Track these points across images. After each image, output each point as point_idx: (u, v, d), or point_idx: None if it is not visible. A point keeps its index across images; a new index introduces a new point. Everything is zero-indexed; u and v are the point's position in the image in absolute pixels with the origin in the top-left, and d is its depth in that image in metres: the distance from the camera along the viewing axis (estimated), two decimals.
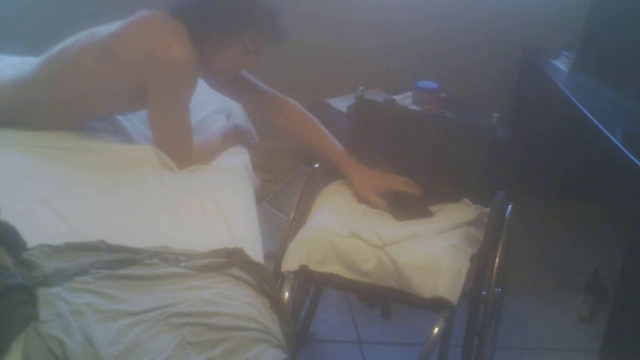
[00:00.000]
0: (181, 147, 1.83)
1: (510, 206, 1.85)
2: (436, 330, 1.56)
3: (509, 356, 2.22)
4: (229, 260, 1.42)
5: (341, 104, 2.92)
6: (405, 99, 2.86)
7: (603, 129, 2.25)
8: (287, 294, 1.60)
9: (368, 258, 1.65)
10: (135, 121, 2.00)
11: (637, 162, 2.01)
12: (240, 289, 1.37)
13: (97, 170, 1.73)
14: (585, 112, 2.41)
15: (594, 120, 2.32)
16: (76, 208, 1.56)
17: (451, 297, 1.58)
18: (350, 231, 1.69)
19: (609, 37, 2.67)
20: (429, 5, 3.06)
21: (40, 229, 1.44)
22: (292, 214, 1.81)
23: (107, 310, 1.23)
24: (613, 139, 2.17)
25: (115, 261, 1.36)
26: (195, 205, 1.66)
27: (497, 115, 1.92)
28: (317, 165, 1.95)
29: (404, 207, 1.90)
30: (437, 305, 1.59)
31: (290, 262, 1.67)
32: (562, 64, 2.91)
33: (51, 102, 1.85)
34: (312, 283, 1.83)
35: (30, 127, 1.84)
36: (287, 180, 2.85)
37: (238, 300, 1.32)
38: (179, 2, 1.79)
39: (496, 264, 1.72)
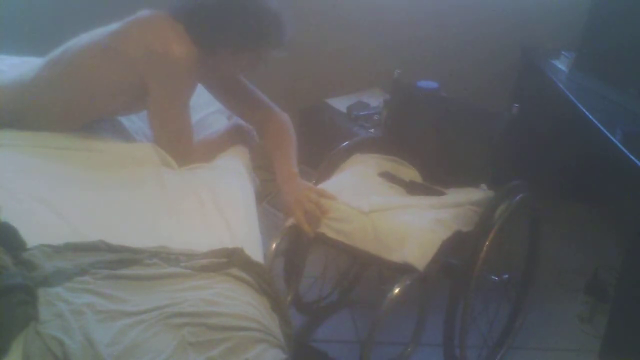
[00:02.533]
0: (181, 146, 1.83)
1: (520, 195, 1.91)
2: (397, 290, 1.62)
3: (509, 356, 2.22)
4: (229, 260, 1.42)
5: (341, 104, 2.92)
6: None
7: (603, 129, 2.25)
8: (274, 245, 1.75)
9: (351, 221, 1.76)
10: (136, 120, 2.00)
11: (637, 162, 2.01)
12: (240, 289, 1.37)
13: (97, 170, 1.73)
14: (585, 112, 2.41)
15: (594, 120, 2.32)
16: (76, 208, 1.56)
17: (417, 264, 1.64)
18: (343, 198, 1.80)
19: (609, 37, 2.67)
20: (428, 5, 3.06)
21: (40, 229, 1.44)
22: (313, 182, 1.95)
23: (107, 311, 1.23)
24: (613, 139, 2.17)
25: (115, 261, 1.36)
26: (196, 205, 1.66)
27: (517, 105, 1.97)
28: (346, 143, 2.12)
29: (419, 184, 2.02)
30: (404, 270, 1.66)
31: (291, 220, 1.82)
32: (562, 64, 2.91)
33: (53, 104, 1.84)
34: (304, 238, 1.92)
35: (32, 128, 1.83)
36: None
37: (238, 300, 1.32)
38: (183, 7, 1.78)
39: (485, 245, 1.77)
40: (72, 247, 1.39)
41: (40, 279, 1.26)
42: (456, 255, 1.82)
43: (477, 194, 1.94)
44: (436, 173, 2.07)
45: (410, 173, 2.10)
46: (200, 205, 1.65)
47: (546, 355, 2.27)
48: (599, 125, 2.28)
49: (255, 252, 1.54)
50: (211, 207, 1.65)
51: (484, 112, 2.08)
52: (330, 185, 1.92)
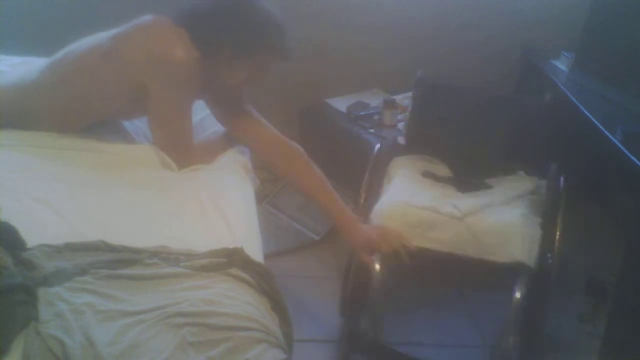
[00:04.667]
0: (181, 150, 1.83)
1: (562, 178, 1.96)
2: (518, 294, 1.62)
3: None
4: (229, 260, 1.42)
5: (341, 104, 2.92)
6: (405, 99, 2.86)
7: (603, 129, 2.25)
8: (377, 266, 1.74)
9: (445, 228, 1.77)
10: (136, 121, 2.00)
11: (637, 162, 2.01)
12: (240, 289, 1.37)
13: (97, 170, 1.73)
14: (585, 112, 2.40)
15: (594, 120, 2.32)
16: (76, 208, 1.56)
17: (528, 261, 1.66)
18: (426, 204, 1.82)
19: (609, 37, 2.67)
20: (428, 5, 3.06)
21: (40, 229, 1.44)
22: (364, 195, 1.97)
23: (107, 310, 1.23)
24: (613, 139, 2.17)
25: (115, 261, 1.37)
26: (196, 205, 1.66)
27: (549, 94, 2.04)
28: (378, 145, 2.14)
29: (465, 180, 2.06)
30: (513, 270, 1.67)
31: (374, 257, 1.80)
32: (562, 64, 2.91)
33: (54, 106, 1.84)
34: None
35: (32, 129, 1.83)
36: (287, 181, 2.85)
37: (238, 300, 1.32)
38: (185, 12, 1.78)
39: (558, 234, 1.80)
40: (72, 247, 1.39)
41: (40, 279, 1.26)
42: None
43: (527, 183, 1.98)
44: (468, 166, 2.11)
45: (442, 169, 2.15)
46: (201, 205, 1.65)
47: (546, 356, 2.27)
48: (599, 125, 2.28)
49: (255, 252, 1.54)
50: (211, 207, 1.65)
51: (515, 99, 2.15)
52: (394, 196, 1.90)
